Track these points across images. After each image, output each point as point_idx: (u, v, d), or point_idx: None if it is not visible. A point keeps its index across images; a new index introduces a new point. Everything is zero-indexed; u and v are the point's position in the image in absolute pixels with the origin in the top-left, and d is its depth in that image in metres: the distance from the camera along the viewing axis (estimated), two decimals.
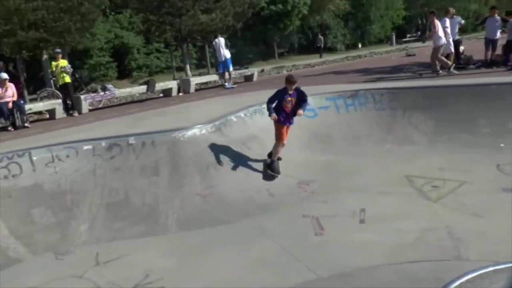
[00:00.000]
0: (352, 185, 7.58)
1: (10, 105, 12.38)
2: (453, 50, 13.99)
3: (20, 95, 14.78)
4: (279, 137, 8.10)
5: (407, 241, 5.46)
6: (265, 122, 9.85)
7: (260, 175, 8.05)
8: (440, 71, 13.57)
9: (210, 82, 19.96)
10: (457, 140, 8.96)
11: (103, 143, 8.16)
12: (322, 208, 6.78)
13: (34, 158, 7.69)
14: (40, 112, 14.64)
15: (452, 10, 14.82)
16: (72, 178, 7.62)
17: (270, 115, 7.91)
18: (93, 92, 16.85)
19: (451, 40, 13.91)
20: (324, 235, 5.96)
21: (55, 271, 5.82)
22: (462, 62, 14.69)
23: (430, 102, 9.92)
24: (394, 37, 46.44)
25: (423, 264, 4.89)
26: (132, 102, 17.14)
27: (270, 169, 8.11)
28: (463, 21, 15.44)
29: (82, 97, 14.97)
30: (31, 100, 17.26)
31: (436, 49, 13.91)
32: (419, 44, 23.20)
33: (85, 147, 8.07)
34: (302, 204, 6.99)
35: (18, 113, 12.47)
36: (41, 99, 16.23)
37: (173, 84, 17.64)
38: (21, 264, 6.15)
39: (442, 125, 9.47)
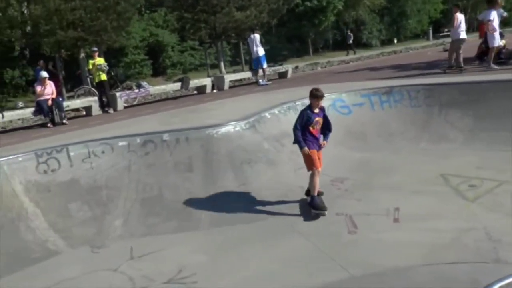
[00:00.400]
0: (387, 183, 7.49)
1: (50, 102, 12.76)
2: (495, 44, 13.48)
3: (59, 92, 15.20)
4: (312, 164, 6.61)
5: (442, 242, 5.35)
6: None
7: (293, 173, 7.99)
8: (465, 65, 13.29)
9: (244, 79, 20.01)
10: (496, 138, 8.66)
11: (138, 140, 8.31)
12: (356, 206, 6.72)
13: (72, 153, 7.91)
14: (77, 109, 15.04)
15: (500, 1, 14.14)
16: (107, 173, 7.80)
17: (301, 148, 6.58)
18: (128, 89, 17.12)
19: (496, 34, 13.39)
20: (358, 234, 5.91)
21: (91, 264, 5.98)
22: (503, 57, 14.23)
23: (468, 99, 9.66)
24: (431, 31, 45.51)
25: (459, 266, 4.79)
26: (167, 99, 17.38)
27: (313, 208, 6.61)
28: (505, 14, 14.85)
29: (117, 94, 15.27)
30: (69, 98, 17.72)
31: (453, 43, 13.64)
32: None
33: (120, 143, 8.23)
34: (335, 202, 6.94)
35: (56, 110, 12.84)
36: (78, 96, 16.63)
37: (207, 81, 17.77)
38: (59, 256, 6.34)
39: (480, 122, 9.21)
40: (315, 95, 6.58)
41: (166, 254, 6.00)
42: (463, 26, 13.60)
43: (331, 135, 6.95)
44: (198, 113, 11.18)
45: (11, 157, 7.65)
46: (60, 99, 13.73)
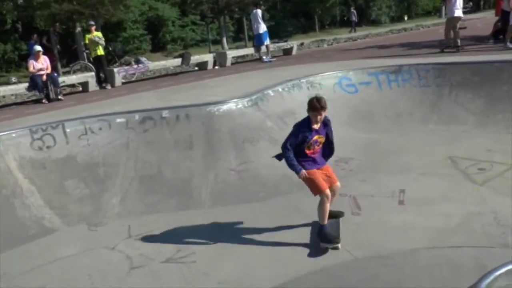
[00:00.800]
0: (392, 165, 7.53)
1: (44, 77, 12.77)
2: None
3: (54, 68, 15.19)
4: (317, 188, 5.17)
5: (448, 226, 5.40)
6: (304, 97, 9.80)
7: None
8: (459, 46, 13.34)
9: (247, 55, 19.98)
10: (509, 121, 8.68)
11: (136, 116, 8.35)
12: (360, 187, 6.78)
13: (68, 130, 7.96)
14: (73, 85, 15.08)
15: None
16: (104, 150, 7.86)
17: (297, 172, 5.13)
18: (127, 65, 17.13)
19: None
20: (361, 215, 5.97)
21: (88, 242, 6.07)
22: None
23: (481, 79, 9.65)
24: (443, 8, 45.02)
25: (465, 250, 4.84)
26: (166, 75, 17.36)
27: (322, 241, 5.21)
28: None
29: (115, 70, 15.28)
30: (64, 73, 17.74)
31: (448, 21, 13.58)
32: (472, 16, 22.41)
33: (118, 120, 8.28)
34: (339, 182, 6.96)
35: (51, 85, 12.85)
36: (74, 72, 16.66)
37: (208, 57, 17.74)
38: (56, 234, 6.44)
39: (493, 104, 9.22)
40: (314, 107, 4.99)
41: (165, 233, 6.07)
42: (459, 4, 13.57)
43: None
44: (199, 90, 11.19)
45: (4, 133, 7.71)
46: (55, 74, 13.76)
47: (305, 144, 5.10)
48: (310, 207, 6.33)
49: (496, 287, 2.65)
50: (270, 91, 9.62)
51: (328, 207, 5.22)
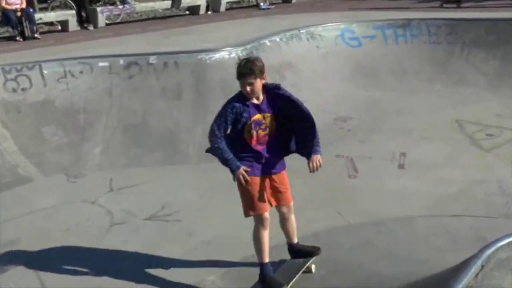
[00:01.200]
0: (395, 126, 7.57)
1: (19, 13, 12.49)
2: None
3: (29, 2, 14.84)
4: (249, 206, 3.95)
5: (449, 193, 5.47)
6: (303, 49, 9.70)
7: None
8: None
9: (243, 1, 19.73)
10: None
11: (121, 61, 8.24)
12: (359, 149, 6.81)
13: (45, 72, 7.86)
14: (51, 23, 14.78)
15: None
16: (85, 96, 7.80)
17: (232, 170, 3.80)
18: (111, 4, 16.82)
19: None
20: (358, 178, 6.03)
21: (67, 194, 6.09)
22: None
23: (496, 38, 9.61)
24: None
25: (465, 220, 4.90)
26: (154, 18, 17.11)
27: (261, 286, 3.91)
28: None
29: (98, 9, 14.99)
30: (42, 9, 17.30)
31: None
32: None
33: (101, 64, 8.16)
34: (336, 142, 7.00)
35: (27, 22, 12.60)
36: (53, 8, 16.28)
37: (201, 1, 17.44)
38: (32, 183, 6.44)
39: (507, 65, 9.22)
40: (239, 73, 3.62)
41: (149, 188, 6.10)
42: None
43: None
44: (190, 36, 11.05)
45: None
46: (31, 10, 13.45)
47: (239, 126, 3.71)
48: (303, 166, 6.38)
49: (497, 258, 2.69)
50: (266, 41, 9.50)
51: (266, 236, 3.91)
